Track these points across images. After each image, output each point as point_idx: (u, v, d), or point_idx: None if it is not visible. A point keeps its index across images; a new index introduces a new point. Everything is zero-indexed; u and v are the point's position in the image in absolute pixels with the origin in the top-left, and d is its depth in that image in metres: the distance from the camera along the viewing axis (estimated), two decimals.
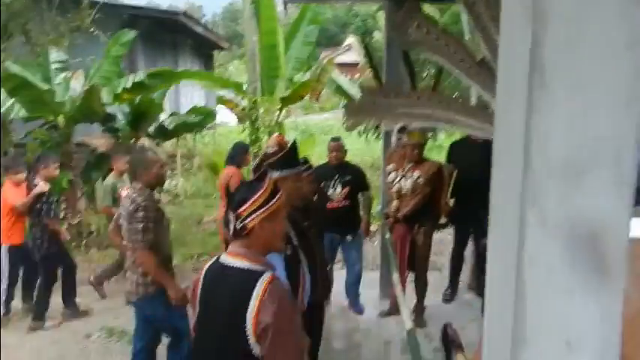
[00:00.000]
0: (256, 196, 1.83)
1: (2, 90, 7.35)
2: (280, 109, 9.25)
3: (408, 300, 4.48)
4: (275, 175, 2.70)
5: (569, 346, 0.97)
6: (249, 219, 1.82)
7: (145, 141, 8.89)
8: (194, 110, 9.71)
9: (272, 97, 8.90)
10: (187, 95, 14.61)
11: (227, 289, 1.84)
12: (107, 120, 8.50)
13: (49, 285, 5.03)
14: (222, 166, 11.03)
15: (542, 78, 0.88)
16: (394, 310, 4.58)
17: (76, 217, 7.75)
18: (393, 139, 4.92)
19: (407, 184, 4.40)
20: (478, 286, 5.11)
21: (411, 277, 4.69)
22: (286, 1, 5.89)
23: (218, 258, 1.95)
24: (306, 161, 3.41)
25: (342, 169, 4.81)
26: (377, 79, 4.05)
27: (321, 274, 3.12)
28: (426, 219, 4.52)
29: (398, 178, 4.47)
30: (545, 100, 0.88)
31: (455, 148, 5.15)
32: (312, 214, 3.30)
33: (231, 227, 1.86)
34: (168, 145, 11.39)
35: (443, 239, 6.40)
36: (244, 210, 1.82)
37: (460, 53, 1.95)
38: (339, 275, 5.08)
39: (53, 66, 8.19)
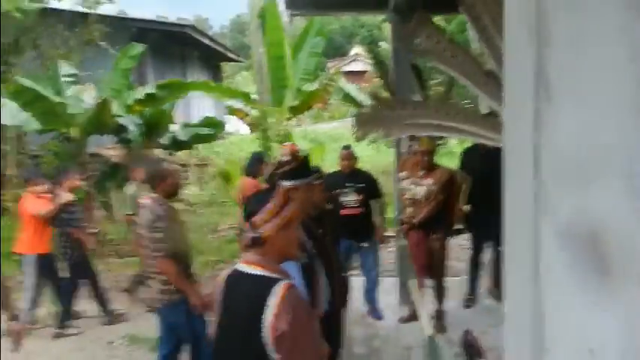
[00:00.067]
0: (270, 206, 1.87)
1: (16, 103, 7.48)
2: (289, 119, 9.33)
3: (427, 306, 4.49)
4: (287, 184, 2.76)
5: (592, 354, 0.98)
6: (263, 228, 1.86)
7: (158, 151, 9.01)
8: (205, 121, 9.82)
9: (281, 107, 8.99)
10: (197, 106, 14.75)
11: (244, 297, 1.86)
12: (119, 131, 8.62)
13: (73, 293, 5.15)
14: (234, 174, 11.13)
15: (548, 92, 0.91)
16: (413, 316, 4.58)
17: (93, 226, 7.86)
18: (404, 146, 4.96)
19: (420, 191, 4.42)
20: (497, 291, 5.12)
21: (429, 283, 4.70)
22: (292, 13, 5.94)
23: (235, 266, 1.99)
24: (317, 170, 3.46)
25: (354, 176, 4.84)
26: (388, 88, 4.11)
27: (338, 281, 3.15)
28: (441, 225, 4.53)
29: (411, 186, 4.50)
30: (552, 113, 0.92)
31: (467, 155, 5.16)
32: (326, 222, 3.33)
33: (246, 236, 1.90)
34: (182, 154, 11.50)
35: (462, 244, 6.40)
36: (259, 219, 1.86)
37: (468, 63, 1.99)
38: (357, 282, 5.10)
39: (63, 79, 8.32)
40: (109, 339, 4.92)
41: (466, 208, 4.92)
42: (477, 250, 5.22)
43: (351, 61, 31.39)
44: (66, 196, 5.06)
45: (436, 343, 2.58)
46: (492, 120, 1.96)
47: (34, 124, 7.73)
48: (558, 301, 0.97)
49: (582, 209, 0.93)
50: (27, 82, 7.27)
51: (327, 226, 3.29)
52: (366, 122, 2.40)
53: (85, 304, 5.38)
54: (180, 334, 3.55)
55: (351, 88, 11.59)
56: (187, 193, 10.82)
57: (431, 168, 4.45)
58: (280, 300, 1.75)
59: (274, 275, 1.85)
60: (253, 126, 9.43)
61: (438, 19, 10.57)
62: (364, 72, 25.68)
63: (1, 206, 8.22)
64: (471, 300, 5.26)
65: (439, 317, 4.66)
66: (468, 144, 5.74)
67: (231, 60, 19.29)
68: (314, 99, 9.31)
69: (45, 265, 5.17)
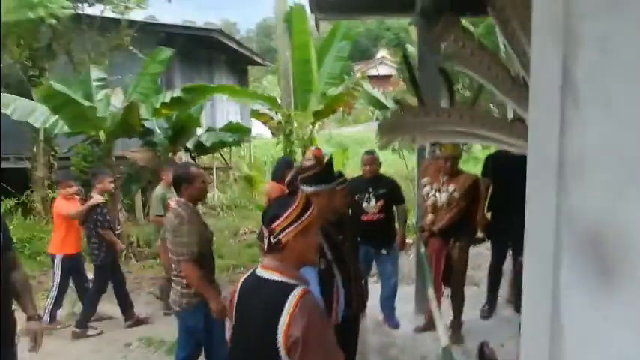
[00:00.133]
0: (289, 212, 1.86)
1: (47, 107, 7.67)
2: (313, 123, 9.33)
3: (444, 315, 4.41)
4: (309, 189, 2.73)
5: None
6: (282, 234, 1.85)
7: (182, 155, 9.12)
8: (229, 127, 9.91)
9: (305, 111, 9.00)
10: (223, 110, 14.89)
11: (260, 302, 1.87)
12: (146, 134, 8.76)
13: (99, 294, 5.26)
14: (258, 178, 11.20)
15: (575, 99, 0.87)
16: (430, 325, 4.51)
17: (117, 228, 8.00)
18: (427, 151, 4.89)
19: (442, 198, 4.34)
20: (517, 301, 4.99)
21: (447, 291, 4.62)
22: (318, 18, 5.93)
23: (254, 270, 1.98)
24: (340, 175, 3.42)
25: (376, 182, 4.79)
26: (417, 93, 4.10)
27: (356, 288, 3.11)
28: (462, 233, 4.44)
29: (433, 192, 4.42)
30: (579, 120, 0.88)
31: (491, 161, 5.07)
32: (346, 228, 3.30)
33: (266, 242, 1.89)
34: (205, 158, 11.62)
35: (481, 253, 6.28)
36: (277, 225, 1.85)
37: (495, 68, 1.93)
38: (375, 289, 5.04)
39: (94, 83, 8.50)
40: (126, 341, 4.99)
41: (487, 215, 4.82)
42: (497, 258, 5.11)
43: (377, 65, 31.36)
44: (97, 198, 5.20)
45: (452, 354, 2.51)
46: (518, 126, 1.90)
47: (64, 128, 7.90)
48: (577, 315, 0.94)
49: (607, 222, 0.88)
50: (58, 87, 7.44)
51: (347, 232, 3.25)
52: (390, 130, 2.37)
53: (105, 305, 5.46)
54: (198, 337, 3.56)
55: (377, 92, 11.54)
56: (209, 197, 10.92)
57: (454, 174, 4.36)
58: (295, 306, 1.74)
59: (291, 281, 1.85)
60: (277, 130, 9.46)
61: (465, 22, 10.44)
62: (390, 76, 25.63)
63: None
64: (489, 310, 5.15)
65: (457, 327, 4.58)
66: (493, 150, 5.63)
67: (257, 64, 19.42)
68: (339, 103, 9.30)
69: (72, 266, 5.33)
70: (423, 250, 4.43)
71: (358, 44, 32.33)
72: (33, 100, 8.02)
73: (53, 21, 8.46)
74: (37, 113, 7.78)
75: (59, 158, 9.47)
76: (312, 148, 6.83)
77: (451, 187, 4.30)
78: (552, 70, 0.91)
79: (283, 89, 9.69)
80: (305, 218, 1.87)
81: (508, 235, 4.65)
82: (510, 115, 5.05)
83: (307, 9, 8.27)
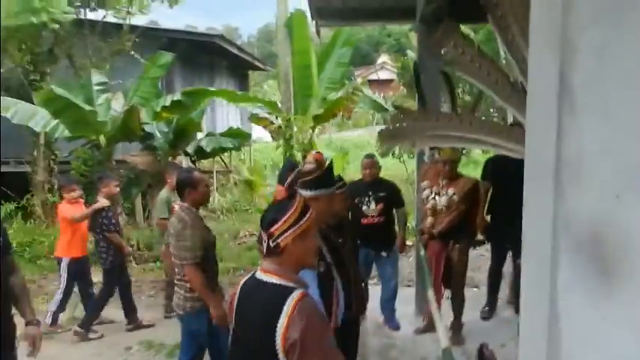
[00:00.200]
0: (287, 215, 1.87)
1: (47, 111, 7.70)
2: (313, 127, 9.35)
3: (445, 317, 4.43)
4: (309, 194, 2.75)
5: None
6: (281, 238, 1.86)
7: (182, 159, 9.14)
8: (230, 132, 9.94)
9: (305, 116, 9.02)
10: (223, 114, 14.92)
11: (259, 305, 1.88)
12: (146, 138, 8.78)
13: (107, 297, 5.28)
14: (258, 182, 11.21)
15: (572, 106, 0.89)
16: (430, 326, 4.52)
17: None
18: (427, 155, 4.91)
19: (441, 201, 4.36)
20: (517, 302, 5.01)
21: (447, 293, 4.63)
22: (319, 24, 5.97)
23: (254, 274, 2.00)
24: (339, 179, 3.44)
25: (376, 185, 4.82)
26: (421, 99, 4.14)
27: (356, 291, 3.13)
28: (462, 236, 4.46)
29: (432, 195, 4.44)
30: (575, 126, 0.89)
31: (490, 165, 5.09)
32: (345, 231, 3.31)
33: (264, 245, 1.91)
34: (205, 161, 11.64)
35: (481, 255, 6.29)
36: (276, 229, 1.86)
37: (494, 74, 1.95)
38: (375, 291, 5.06)
39: (95, 88, 8.54)
40: (126, 344, 4.98)
41: (487, 218, 4.84)
42: (497, 261, 5.14)
43: (377, 70, 31.44)
44: (102, 202, 5.22)
45: (452, 355, 2.52)
46: (517, 131, 1.92)
47: (64, 132, 7.93)
48: (575, 316, 0.95)
49: (604, 226, 0.90)
50: (59, 91, 7.48)
51: (346, 235, 3.27)
52: (390, 137, 2.39)
53: (106, 309, 5.46)
54: (201, 341, 3.57)
55: (376, 97, 11.57)
56: (210, 200, 10.93)
57: (453, 177, 4.38)
58: (293, 309, 1.75)
59: (290, 284, 1.86)
60: (277, 134, 9.48)
61: (465, 28, 10.49)
62: (391, 80, 25.69)
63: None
64: (489, 312, 5.17)
65: (457, 329, 4.59)
66: (492, 153, 5.65)
67: (258, 69, 19.48)
68: (338, 107, 9.33)
69: (78, 269, 5.35)
70: (422, 252, 4.45)
71: (359, 49, 32.41)
72: (33, 104, 8.05)
73: (56, 26, 8.50)
74: (37, 117, 7.81)
75: (59, 162, 9.49)
76: (313, 151, 6.85)
77: (451, 191, 4.32)
78: (550, 77, 0.93)
79: (284, 94, 9.73)
80: (303, 222, 1.89)
81: (507, 237, 4.67)
82: (510, 119, 5.08)
83: (308, 15, 8.33)
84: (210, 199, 10.93)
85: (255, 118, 9.49)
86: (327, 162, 3.55)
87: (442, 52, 2.22)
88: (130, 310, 5.42)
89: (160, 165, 8.69)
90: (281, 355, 1.75)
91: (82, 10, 10.20)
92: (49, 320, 5.23)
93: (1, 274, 2.65)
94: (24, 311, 2.80)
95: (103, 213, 5.20)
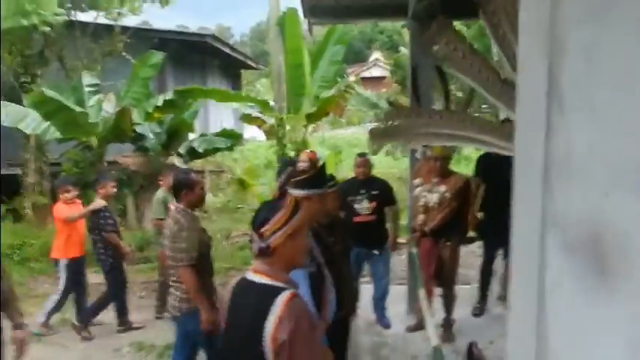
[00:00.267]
0: (278, 216, 1.86)
1: (38, 113, 7.64)
2: (306, 126, 9.34)
3: (436, 314, 4.43)
4: (301, 193, 2.74)
5: None
6: (272, 238, 1.85)
7: (174, 159, 9.11)
8: (222, 133, 9.91)
9: (298, 114, 9.00)
10: (216, 114, 14.87)
11: (249, 305, 1.87)
12: (138, 139, 8.73)
13: (114, 297, 5.30)
14: (251, 181, 11.18)
15: (561, 105, 0.88)
16: (421, 324, 4.53)
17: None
18: (419, 152, 4.92)
19: (433, 198, 4.36)
20: (508, 299, 5.02)
21: (439, 291, 4.64)
22: (311, 22, 5.95)
23: (245, 274, 1.99)
24: (332, 179, 3.43)
25: (369, 183, 4.82)
26: (415, 96, 4.17)
27: (347, 290, 3.12)
28: (453, 233, 4.46)
29: (424, 192, 4.44)
30: (564, 125, 0.89)
31: (483, 161, 5.10)
32: (338, 231, 3.30)
33: (255, 246, 1.89)
34: (198, 161, 11.60)
35: (473, 252, 6.30)
36: (267, 229, 1.85)
37: (485, 72, 1.95)
38: (366, 289, 5.06)
39: (86, 89, 8.48)
40: (116, 346, 4.95)
41: (480, 215, 4.84)
42: (488, 258, 5.16)
43: (370, 67, 31.46)
44: (99, 202, 5.21)
45: (442, 353, 2.53)
46: (508, 128, 1.92)
47: (55, 134, 7.87)
48: (563, 315, 0.95)
49: (592, 224, 0.89)
50: (50, 93, 7.42)
51: (338, 234, 3.26)
52: (380, 135, 2.38)
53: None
54: (196, 342, 3.55)
55: (369, 94, 11.58)
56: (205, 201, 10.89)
57: (445, 174, 4.38)
58: (282, 309, 1.75)
59: (280, 285, 1.85)
60: (270, 133, 9.46)
61: (458, 24, 10.50)
62: (383, 77, 25.73)
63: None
64: (480, 309, 5.19)
65: (448, 326, 4.60)
66: (485, 150, 5.66)
67: (251, 67, 19.45)
68: (330, 105, 9.31)
69: (76, 269, 5.32)
70: (414, 250, 4.45)
71: (352, 47, 32.37)
72: (24, 106, 7.99)
73: (46, 28, 8.44)
74: (28, 119, 7.76)
75: (50, 164, 9.43)
76: (307, 150, 6.84)
77: (442, 188, 4.32)
78: (538, 76, 0.92)
79: (277, 93, 9.70)
80: (294, 222, 1.88)
81: (499, 234, 4.66)
82: (503, 115, 5.09)
83: (300, 13, 8.30)
84: None
85: (247, 118, 9.46)
86: (321, 161, 3.56)
87: (435, 48, 2.22)
88: (123, 311, 5.39)
89: (152, 166, 8.64)
90: (270, 356, 1.74)
91: (73, 12, 10.12)
92: (41, 319, 5.20)
93: None
94: (12, 315, 2.78)
95: (100, 214, 5.18)
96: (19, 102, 8.14)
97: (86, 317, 5.20)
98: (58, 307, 5.34)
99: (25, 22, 7.99)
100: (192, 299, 3.38)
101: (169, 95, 8.17)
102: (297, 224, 1.90)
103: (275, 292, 1.80)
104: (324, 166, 3.14)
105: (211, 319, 3.27)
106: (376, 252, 4.80)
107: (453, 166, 4.70)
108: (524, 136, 1.00)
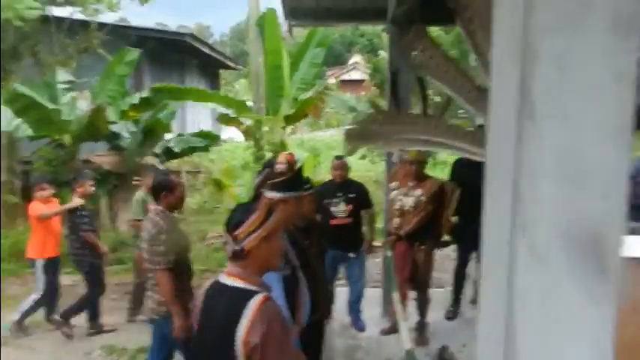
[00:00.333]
0: (252, 218, 1.85)
1: (10, 110, 7.46)
2: (284, 127, 9.31)
3: (411, 317, 4.46)
4: (277, 195, 2.73)
5: None
6: (246, 241, 1.83)
7: (150, 159, 8.98)
8: (199, 133, 9.82)
9: (276, 116, 8.98)
10: (194, 114, 14.75)
11: (221, 308, 1.85)
12: (113, 138, 8.59)
13: (96, 296, 5.23)
14: (227, 182, 11.10)
15: (531, 112, 0.89)
16: (396, 327, 4.56)
17: None
18: (395, 155, 4.95)
19: (409, 202, 4.40)
20: None
21: (413, 294, 4.67)
22: (291, 24, 5.95)
23: (218, 277, 1.97)
24: (307, 182, 3.43)
25: (345, 186, 4.83)
26: (395, 101, 4.21)
27: (322, 293, 3.11)
28: (428, 237, 4.51)
29: (400, 196, 4.47)
30: (535, 132, 0.89)
31: (457, 166, 5.16)
32: (313, 233, 3.30)
33: (229, 248, 1.88)
34: (174, 161, 11.47)
35: (447, 256, 6.36)
36: (241, 232, 1.84)
37: (460, 79, 1.97)
38: (342, 292, 5.07)
39: (60, 86, 8.31)
40: (86, 349, 4.86)
41: (454, 219, 4.90)
42: (462, 261, 5.22)
43: (350, 70, 31.60)
44: (76, 201, 5.13)
45: (415, 357, 2.55)
46: (481, 134, 1.94)
47: (27, 131, 7.70)
48: (531, 321, 0.96)
49: (560, 232, 0.90)
50: (22, 89, 7.26)
51: (314, 237, 3.25)
52: (356, 137, 2.39)
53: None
54: (172, 345, 3.52)
55: (347, 97, 11.61)
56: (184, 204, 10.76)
57: (421, 178, 4.42)
58: (255, 312, 1.73)
59: (253, 288, 1.84)
60: (248, 134, 9.40)
61: (436, 30, 10.61)
62: (362, 80, 25.85)
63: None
64: (454, 312, 5.24)
65: (422, 329, 4.64)
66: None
67: (230, 68, 19.35)
68: (309, 107, 9.30)
69: (54, 269, 5.25)
70: (389, 253, 4.48)
71: (332, 49, 32.50)
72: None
73: (20, 23, 8.24)
74: None
75: (22, 162, 9.21)
76: (285, 152, 6.81)
77: (418, 192, 4.36)
78: (510, 84, 0.93)
79: (255, 94, 9.66)
80: (269, 224, 1.86)
81: (473, 238, 4.71)
82: (479, 121, 5.16)
83: (280, 14, 8.28)
84: None
85: (224, 119, 9.38)
86: (299, 163, 3.55)
87: (412, 55, 2.24)
88: (95, 314, 5.29)
89: (127, 165, 8.51)
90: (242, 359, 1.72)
91: (48, 7, 9.91)
92: (15, 317, 5.11)
93: None
94: None
95: (77, 212, 5.11)
96: None
97: (67, 314, 5.12)
98: (36, 307, 5.25)
99: None
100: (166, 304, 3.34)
101: (146, 93, 8.06)
102: (272, 227, 1.88)
103: (248, 295, 1.79)
104: (300, 168, 3.14)
105: (184, 326, 3.24)
106: (352, 255, 4.82)
107: (432, 171, 4.75)
108: (495, 143, 1.01)
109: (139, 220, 5.02)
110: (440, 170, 10.29)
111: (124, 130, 8.45)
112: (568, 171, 0.90)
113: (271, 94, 9.19)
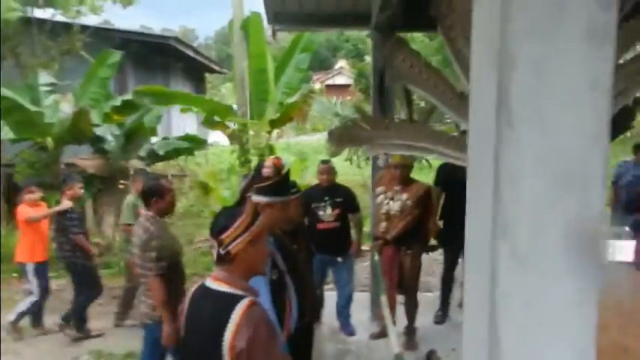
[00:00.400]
0: (238, 222, 1.84)
1: None
2: (270, 132, 9.30)
3: (399, 321, 4.48)
4: (263, 200, 2.74)
5: None
6: (231, 245, 1.83)
7: (135, 163, 8.91)
8: (185, 137, 9.77)
9: (261, 120, 8.96)
10: (179, 117, 14.63)
11: (207, 313, 1.85)
12: (97, 141, 8.51)
13: (94, 297, 5.22)
14: (213, 185, 11.04)
15: (509, 118, 0.91)
16: (385, 332, 4.57)
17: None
18: (381, 159, 4.98)
19: (395, 206, 4.42)
20: None
21: (401, 298, 4.69)
22: (275, 28, 5.97)
23: (203, 282, 1.96)
24: (294, 186, 3.44)
25: (332, 190, 4.83)
26: (381, 108, 4.24)
27: (310, 298, 3.12)
28: (415, 241, 4.53)
29: (386, 200, 4.50)
30: (513, 138, 0.92)
31: (442, 171, 5.20)
32: (301, 238, 3.31)
33: (215, 253, 1.87)
34: (160, 165, 11.38)
35: (435, 259, 6.39)
36: (227, 236, 1.83)
37: (441, 86, 2.01)
38: (330, 297, 5.07)
39: (42, 89, 8.22)
40: (74, 354, 4.81)
41: (440, 223, 4.94)
42: (449, 265, 5.24)
43: (335, 75, 31.70)
44: (65, 204, 5.11)
45: None
46: (464, 140, 1.97)
47: (9, 134, 7.60)
48: (514, 324, 0.98)
49: (540, 235, 0.93)
50: (3, 91, 7.16)
51: (301, 241, 3.26)
52: (339, 140, 2.41)
53: (52, 318, 5.27)
54: (164, 350, 3.50)
55: (331, 102, 11.64)
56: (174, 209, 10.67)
57: (407, 183, 4.45)
58: (241, 317, 1.73)
59: (239, 292, 1.83)
60: (233, 138, 9.37)
61: (420, 36, 10.72)
62: (348, 85, 25.94)
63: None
64: (442, 316, 5.26)
65: (410, 334, 4.65)
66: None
67: (215, 71, 19.27)
68: (293, 111, 9.30)
69: (42, 273, 5.21)
70: (376, 258, 4.49)
71: (317, 54, 32.56)
72: None
73: None
74: None
75: (4, 165, 9.07)
76: (272, 157, 6.80)
77: (404, 196, 4.38)
78: (489, 90, 0.95)
79: (240, 97, 9.63)
80: (254, 228, 1.86)
81: (460, 242, 4.74)
82: (464, 127, 5.22)
83: (265, 18, 8.28)
84: None
85: (209, 123, 9.34)
86: (286, 167, 3.55)
87: (394, 65, 2.27)
88: (81, 319, 5.23)
89: (112, 169, 8.43)
90: None
91: (30, 9, 9.79)
92: (11, 317, 5.07)
93: None
94: None
95: (67, 215, 5.09)
96: None
97: (68, 318, 5.10)
98: (32, 309, 5.20)
99: None
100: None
101: (129, 96, 8.00)
102: (258, 231, 1.89)
103: (234, 299, 1.79)
104: (287, 173, 3.14)
105: (172, 332, 3.22)
106: (340, 259, 4.82)
107: (419, 175, 4.78)
108: (476, 148, 1.03)
109: (130, 225, 5.00)
110: (425, 175, 10.34)
111: (108, 133, 8.37)
112: (547, 175, 0.92)
113: (256, 98, 9.18)
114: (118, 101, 7.91)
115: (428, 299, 5.37)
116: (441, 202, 5.03)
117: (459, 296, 5.48)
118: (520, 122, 0.92)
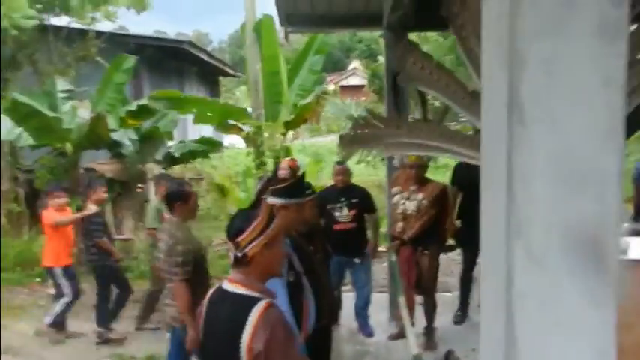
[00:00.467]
0: (254, 225, 1.86)
1: (10, 119, 7.49)
2: (284, 134, 9.32)
3: (418, 322, 4.45)
4: (279, 202, 2.75)
5: None
6: (248, 247, 1.84)
7: (152, 167, 9.00)
8: (201, 140, 9.84)
9: (276, 122, 8.99)
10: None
11: (225, 316, 1.86)
12: (114, 146, 8.63)
13: (125, 299, 5.32)
14: (229, 188, 11.11)
15: (521, 117, 0.91)
16: (404, 332, 4.55)
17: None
18: (397, 160, 4.97)
19: (411, 206, 4.41)
20: None
21: (420, 299, 4.66)
22: (287, 30, 5.98)
23: (221, 285, 1.98)
24: (309, 187, 3.44)
25: (348, 191, 4.83)
26: (396, 108, 4.24)
27: (327, 299, 3.12)
28: (432, 241, 4.51)
29: (403, 200, 4.49)
30: (525, 137, 0.91)
31: (458, 170, 5.16)
32: (317, 239, 3.31)
33: (231, 255, 1.89)
34: (177, 168, 11.49)
35: (453, 259, 6.35)
36: (243, 239, 1.85)
37: (453, 86, 2.00)
38: (348, 298, 5.06)
39: (60, 95, 8.35)
40: (94, 358, 4.87)
41: (457, 223, 4.90)
42: (468, 265, 5.20)
43: (349, 76, 31.68)
44: (91, 208, 5.19)
45: None
46: (477, 139, 1.96)
47: (28, 140, 7.73)
48: (530, 323, 0.97)
49: (554, 234, 0.92)
50: (22, 98, 7.28)
51: (318, 242, 3.26)
52: (351, 143, 2.41)
53: (75, 322, 5.35)
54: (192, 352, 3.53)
55: (345, 103, 11.63)
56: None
57: (422, 182, 4.44)
58: (258, 319, 1.74)
59: (256, 294, 1.85)
60: (248, 141, 9.41)
61: (434, 35, 10.65)
62: (362, 86, 25.91)
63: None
64: (461, 316, 5.22)
65: (429, 334, 4.63)
66: None
67: (229, 75, 19.37)
68: (307, 112, 9.31)
69: (69, 277, 5.27)
70: (393, 258, 4.48)
71: (331, 55, 32.51)
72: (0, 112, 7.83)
73: (15, 32, 8.28)
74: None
75: (24, 171, 9.24)
76: (288, 158, 6.83)
77: (420, 196, 4.37)
78: (500, 89, 0.95)
79: (254, 100, 9.67)
80: (270, 231, 1.87)
81: (477, 241, 4.71)
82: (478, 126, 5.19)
83: (277, 20, 8.30)
84: None
85: (224, 126, 9.39)
86: (302, 169, 3.57)
87: (405, 68, 2.26)
88: (103, 322, 5.28)
89: (130, 173, 8.53)
90: None
91: (46, 16, 9.96)
92: (48, 320, 5.16)
93: None
94: None
95: (92, 219, 5.17)
96: None
97: (105, 320, 5.19)
98: (67, 310, 5.28)
99: None
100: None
101: (144, 101, 8.09)
102: (273, 233, 1.90)
103: (251, 302, 1.80)
104: (303, 175, 3.15)
105: (193, 338, 3.25)
106: (357, 260, 4.81)
107: (434, 175, 4.75)
108: (488, 147, 1.03)
109: (155, 229, 5.06)
110: (441, 174, 10.28)
111: (125, 138, 8.47)
112: (560, 173, 0.91)
113: (270, 101, 9.21)
114: (133, 106, 8.00)
115: (447, 299, 5.34)
116: (458, 201, 5.00)
117: (478, 296, 5.44)
118: (532, 121, 0.91)
